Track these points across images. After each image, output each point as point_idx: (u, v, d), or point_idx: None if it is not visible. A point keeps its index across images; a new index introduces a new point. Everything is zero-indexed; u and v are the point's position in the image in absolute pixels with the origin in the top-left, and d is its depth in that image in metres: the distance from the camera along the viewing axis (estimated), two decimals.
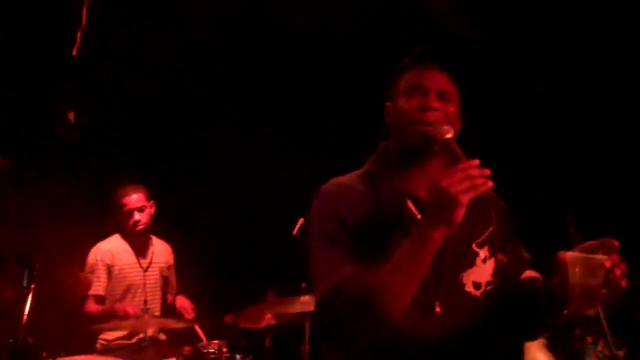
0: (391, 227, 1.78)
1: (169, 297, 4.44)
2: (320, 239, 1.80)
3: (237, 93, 4.92)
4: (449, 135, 1.76)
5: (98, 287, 4.13)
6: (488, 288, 1.87)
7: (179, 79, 4.72)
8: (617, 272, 1.69)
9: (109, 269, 4.16)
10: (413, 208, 1.83)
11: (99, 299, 4.13)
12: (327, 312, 1.73)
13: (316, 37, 4.51)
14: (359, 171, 1.95)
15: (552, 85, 4.26)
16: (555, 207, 3.73)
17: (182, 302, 4.43)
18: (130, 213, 4.17)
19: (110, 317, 3.98)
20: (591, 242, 1.71)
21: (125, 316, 3.91)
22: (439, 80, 1.87)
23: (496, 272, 1.87)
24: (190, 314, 4.33)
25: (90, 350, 4.03)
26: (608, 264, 1.67)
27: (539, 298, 1.83)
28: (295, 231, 4.01)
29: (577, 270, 1.65)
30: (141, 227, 4.20)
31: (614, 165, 4.12)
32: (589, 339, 3.55)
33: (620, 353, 3.54)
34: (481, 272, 1.86)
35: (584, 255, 1.67)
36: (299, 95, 4.82)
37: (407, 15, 4.29)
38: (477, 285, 1.85)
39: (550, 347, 3.50)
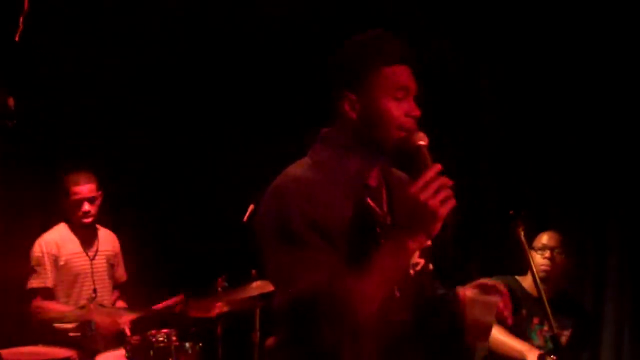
0: (355, 223, 1.79)
1: (114, 295, 4.36)
2: (287, 240, 1.72)
3: (184, 73, 4.86)
4: (422, 143, 1.78)
5: (45, 279, 4.04)
6: (417, 269, 1.92)
7: (122, 60, 4.64)
8: (506, 312, 1.89)
9: (55, 260, 4.08)
10: (373, 204, 1.86)
11: (47, 292, 4.05)
12: (300, 317, 1.67)
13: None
14: (306, 160, 1.88)
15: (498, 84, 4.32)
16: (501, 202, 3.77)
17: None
18: (80, 202, 4.09)
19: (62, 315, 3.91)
20: (484, 281, 1.91)
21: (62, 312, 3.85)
22: (413, 80, 1.85)
23: (422, 254, 1.93)
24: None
25: (37, 341, 3.96)
26: (501, 305, 1.87)
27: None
28: (245, 218, 3.99)
29: (474, 309, 1.87)
30: (90, 219, 4.12)
31: (562, 161, 4.19)
32: (536, 320, 3.61)
33: (565, 333, 3.62)
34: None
35: (481, 297, 1.88)
36: (245, 80, 4.79)
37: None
38: (412, 265, 1.91)
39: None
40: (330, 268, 1.68)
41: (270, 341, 2.10)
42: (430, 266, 1.96)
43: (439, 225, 1.65)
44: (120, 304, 4.38)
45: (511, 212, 2.30)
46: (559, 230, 3.68)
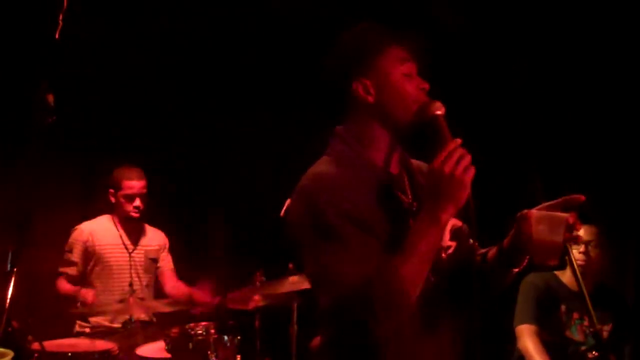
0: (384, 212, 1.79)
1: (178, 287, 4.34)
2: (324, 236, 1.71)
3: (220, 75, 4.88)
4: (439, 112, 1.79)
5: (72, 265, 4.10)
6: (449, 252, 1.91)
7: (162, 60, 4.68)
8: (578, 227, 1.84)
9: (88, 249, 4.14)
10: (398, 192, 1.86)
11: (71, 278, 4.11)
12: (356, 312, 1.66)
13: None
14: (325, 158, 1.88)
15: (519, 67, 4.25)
16: (521, 167, 3.74)
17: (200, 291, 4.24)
18: (132, 197, 4.15)
19: (74, 299, 3.97)
20: (551, 202, 1.84)
21: (84, 303, 3.90)
22: (416, 57, 1.88)
23: (453, 235, 1.91)
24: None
25: (78, 334, 4.03)
26: (571, 220, 1.81)
27: (491, 258, 1.93)
28: (282, 212, 3.99)
29: (541, 226, 1.79)
30: (139, 214, 4.18)
31: (582, 127, 4.12)
32: (576, 315, 3.57)
33: (606, 328, 3.57)
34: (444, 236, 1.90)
35: (548, 213, 1.81)
36: (279, 76, 4.79)
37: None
38: (444, 249, 1.90)
39: (540, 332, 3.53)
40: (372, 257, 1.69)
41: (315, 342, 2.08)
42: (466, 227, 1.93)
43: (466, 194, 1.68)
44: (184, 287, 4.34)
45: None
46: (596, 223, 3.62)
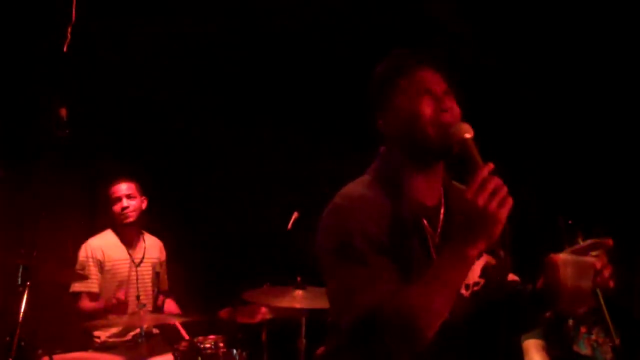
0: (412, 244, 1.77)
1: (159, 298, 4.42)
2: (348, 258, 1.69)
3: (231, 88, 4.90)
4: (468, 135, 1.72)
5: (91, 284, 4.10)
6: (475, 289, 1.86)
7: (171, 74, 4.69)
8: (606, 273, 1.76)
9: (100, 265, 4.15)
10: (426, 223, 1.83)
11: (93, 296, 4.11)
12: (366, 334, 1.64)
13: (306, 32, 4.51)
14: (366, 178, 1.88)
15: (541, 86, 4.27)
16: (548, 210, 3.74)
17: (170, 308, 4.38)
18: (118, 200, 4.16)
19: (104, 312, 3.97)
20: (581, 244, 1.78)
21: (119, 304, 3.90)
22: (439, 81, 1.83)
23: (483, 273, 1.86)
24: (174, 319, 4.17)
25: (85, 347, 4.03)
26: (598, 266, 1.74)
27: (521, 298, 1.88)
28: (290, 225, 4.01)
29: (568, 271, 1.72)
30: (130, 215, 4.17)
31: (607, 167, 4.12)
32: (583, 329, 3.57)
33: (617, 340, 3.57)
34: (470, 273, 1.83)
35: (575, 257, 1.75)
36: (294, 88, 4.81)
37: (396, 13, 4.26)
38: (466, 286, 1.85)
39: (547, 347, 3.53)
40: (392, 285, 1.66)
41: (320, 350, 2.08)
42: (488, 257, 1.87)
43: (499, 229, 1.59)
44: (170, 304, 4.41)
45: (570, 221, 2.26)
46: (601, 237, 3.63)
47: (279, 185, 4.72)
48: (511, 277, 2.00)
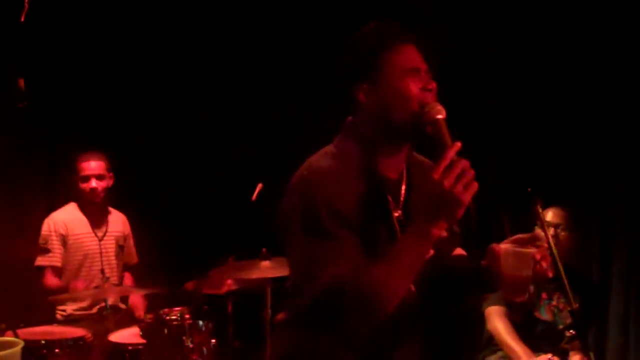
0: (369, 215, 1.78)
1: (124, 275, 4.38)
2: (313, 232, 1.71)
3: (193, 59, 4.85)
4: (440, 116, 1.74)
5: (54, 258, 4.07)
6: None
7: (132, 42, 4.62)
8: (544, 264, 1.84)
9: (64, 240, 4.11)
10: (389, 196, 1.84)
11: (56, 270, 4.08)
12: (326, 308, 1.68)
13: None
14: (331, 149, 1.88)
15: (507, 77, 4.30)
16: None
17: (134, 301, 4.28)
18: (87, 179, 4.09)
19: (65, 292, 3.95)
20: (521, 236, 1.86)
21: (75, 292, 3.88)
22: (422, 59, 1.84)
23: (433, 245, 1.85)
24: (140, 312, 4.11)
25: (50, 321, 4.00)
26: (537, 257, 1.83)
27: (466, 276, 1.96)
28: (254, 196, 4.01)
29: (509, 262, 1.81)
30: (98, 197, 4.13)
31: (565, 136, 4.17)
32: (544, 295, 3.64)
33: (575, 305, 3.65)
34: None
35: (515, 248, 1.82)
36: (253, 61, 4.77)
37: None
38: None
39: (509, 314, 3.59)
40: (355, 260, 1.68)
41: (280, 316, 2.09)
42: (457, 229, 1.92)
43: (462, 211, 1.63)
44: (128, 281, 4.41)
45: (529, 189, 2.29)
46: (563, 206, 3.69)
47: (243, 156, 4.70)
48: (459, 251, 2.05)
